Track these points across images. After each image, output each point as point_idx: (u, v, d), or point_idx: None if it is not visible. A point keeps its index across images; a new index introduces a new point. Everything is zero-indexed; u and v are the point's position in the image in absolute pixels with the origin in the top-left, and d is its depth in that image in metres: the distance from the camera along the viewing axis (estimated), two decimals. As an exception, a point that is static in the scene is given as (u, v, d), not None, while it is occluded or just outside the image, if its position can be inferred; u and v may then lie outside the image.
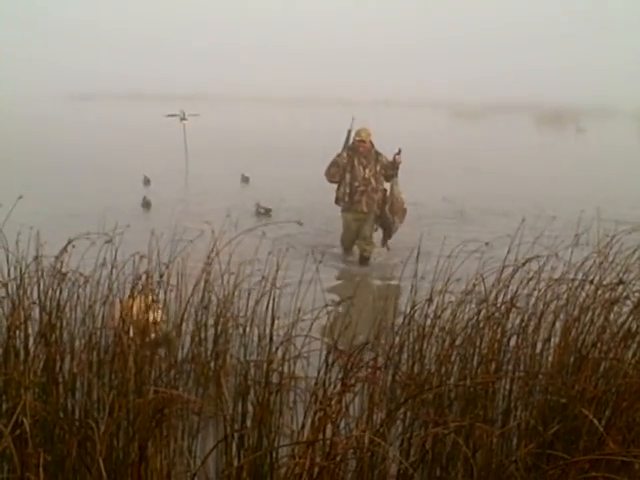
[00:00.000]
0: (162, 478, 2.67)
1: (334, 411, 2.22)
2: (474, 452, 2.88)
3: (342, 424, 2.67)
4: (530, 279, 3.96)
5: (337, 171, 8.35)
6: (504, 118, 25.08)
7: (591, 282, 3.69)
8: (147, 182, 13.48)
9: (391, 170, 8.31)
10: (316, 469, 1.95)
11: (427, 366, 3.41)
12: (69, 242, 4.08)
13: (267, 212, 10.81)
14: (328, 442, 2.17)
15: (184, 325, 4.06)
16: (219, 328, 4.19)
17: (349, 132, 8.61)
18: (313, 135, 17.57)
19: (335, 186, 8.53)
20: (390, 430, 2.88)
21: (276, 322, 3.68)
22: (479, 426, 2.84)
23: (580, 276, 3.92)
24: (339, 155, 8.41)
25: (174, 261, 4.29)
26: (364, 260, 8.47)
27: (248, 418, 2.99)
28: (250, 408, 3.03)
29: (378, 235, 8.71)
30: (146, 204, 11.57)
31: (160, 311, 4.26)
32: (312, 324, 3.23)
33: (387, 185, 8.48)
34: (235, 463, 2.76)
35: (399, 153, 8.22)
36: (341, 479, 2.30)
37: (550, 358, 3.76)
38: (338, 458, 2.09)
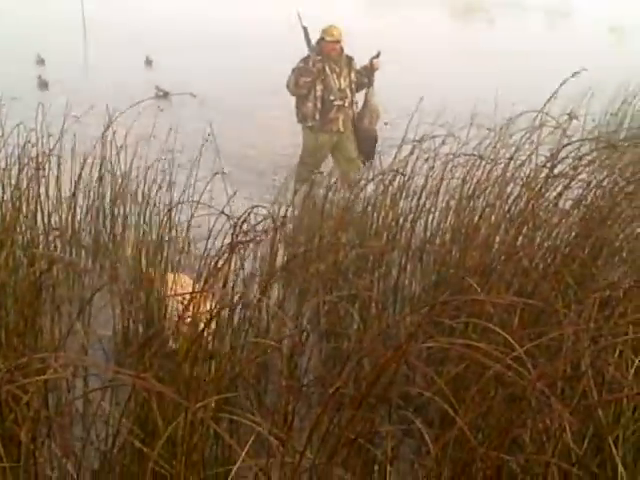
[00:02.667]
0: (55, 349, 2.64)
1: (222, 272, 2.25)
2: (366, 322, 2.99)
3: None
4: (427, 159, 4.04)
5: (309, 81, 6.54)
6: (417, 8, 24.78)
7: (480, 157, 3.79)
8: (41, 62, 12.63)
9: (365, 78, 6.79)
10: (201, 324, 1.98)
11: (325, 238, 3.46)
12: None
13: (165, 95, 10.56)
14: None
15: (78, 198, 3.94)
16: (117, 204, 4.10)
17: (305, 30, 6.69)
18: (228, 24, 16.89)
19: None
20: (285, 301, 2.94)
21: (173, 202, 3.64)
22: (371, 295, 2.95)
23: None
24: (306, 59, 6.59)
25: (65, 134, 4.09)
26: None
27: (143, 290, 2.99)
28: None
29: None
30: (43, 84, 10.96)
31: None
32: (203, 191, 3.20)
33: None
34: (131, 328, 2.80)
35: (377, 57, 6.75)
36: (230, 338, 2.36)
37: (445, 236, 3.89)
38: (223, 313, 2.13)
